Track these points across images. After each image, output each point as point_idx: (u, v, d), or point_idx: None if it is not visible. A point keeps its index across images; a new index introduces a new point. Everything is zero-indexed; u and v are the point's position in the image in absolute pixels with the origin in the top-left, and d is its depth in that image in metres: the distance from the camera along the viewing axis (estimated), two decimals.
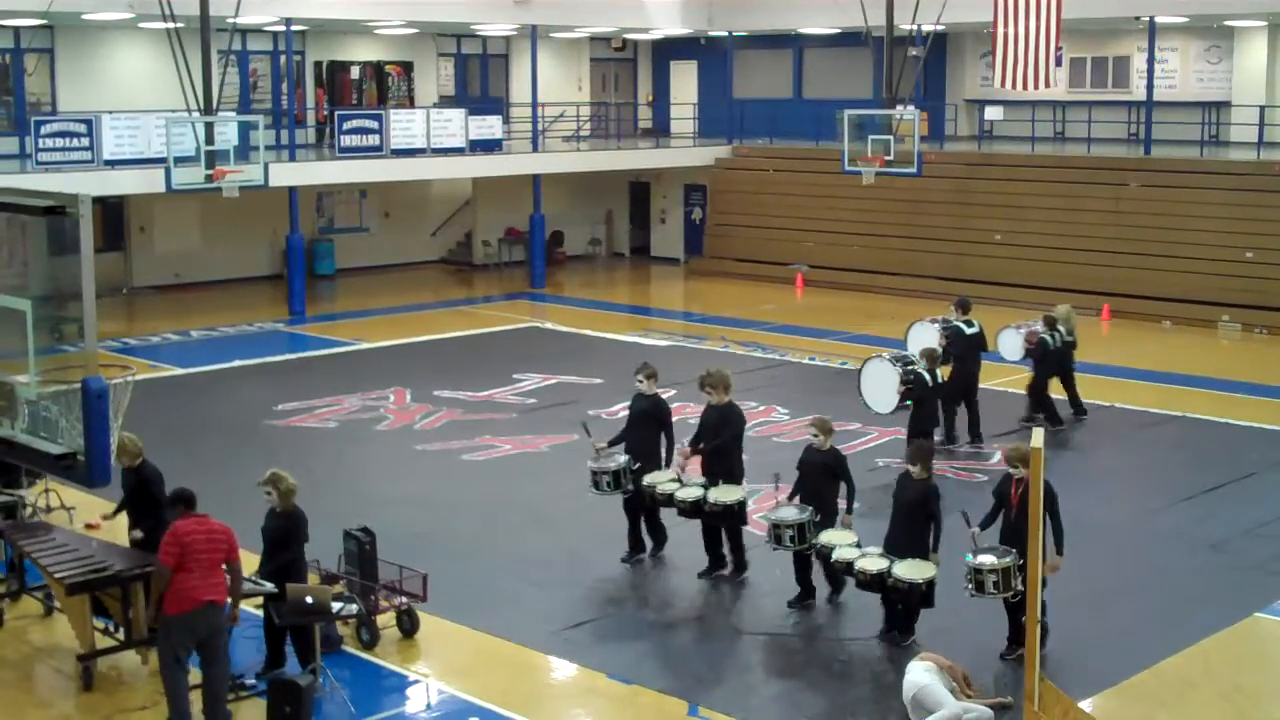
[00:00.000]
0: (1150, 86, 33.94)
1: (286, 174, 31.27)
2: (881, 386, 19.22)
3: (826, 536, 13.89)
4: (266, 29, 34.86)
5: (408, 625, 13.56)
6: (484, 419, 21.85)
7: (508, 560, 15.79)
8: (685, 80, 45.14)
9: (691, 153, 39.91)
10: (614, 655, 13.17)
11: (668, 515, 15.58)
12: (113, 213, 34.14)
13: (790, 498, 14.35)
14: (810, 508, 14.11)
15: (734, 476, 15.14)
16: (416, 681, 12.79)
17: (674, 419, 15.93)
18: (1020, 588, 12.47)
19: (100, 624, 12.77)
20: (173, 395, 23.53)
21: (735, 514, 14.92)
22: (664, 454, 15.49)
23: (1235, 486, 16.63)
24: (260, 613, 12.75)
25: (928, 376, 18.44)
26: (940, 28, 33.70)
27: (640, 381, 15.56)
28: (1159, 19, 33.61)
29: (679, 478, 15.21)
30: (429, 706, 12.43)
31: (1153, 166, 32.76)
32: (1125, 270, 31.24)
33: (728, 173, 39.21)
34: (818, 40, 41.24)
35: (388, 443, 20.72)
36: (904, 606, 13.31)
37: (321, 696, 11.94)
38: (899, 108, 32.81)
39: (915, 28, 32.94)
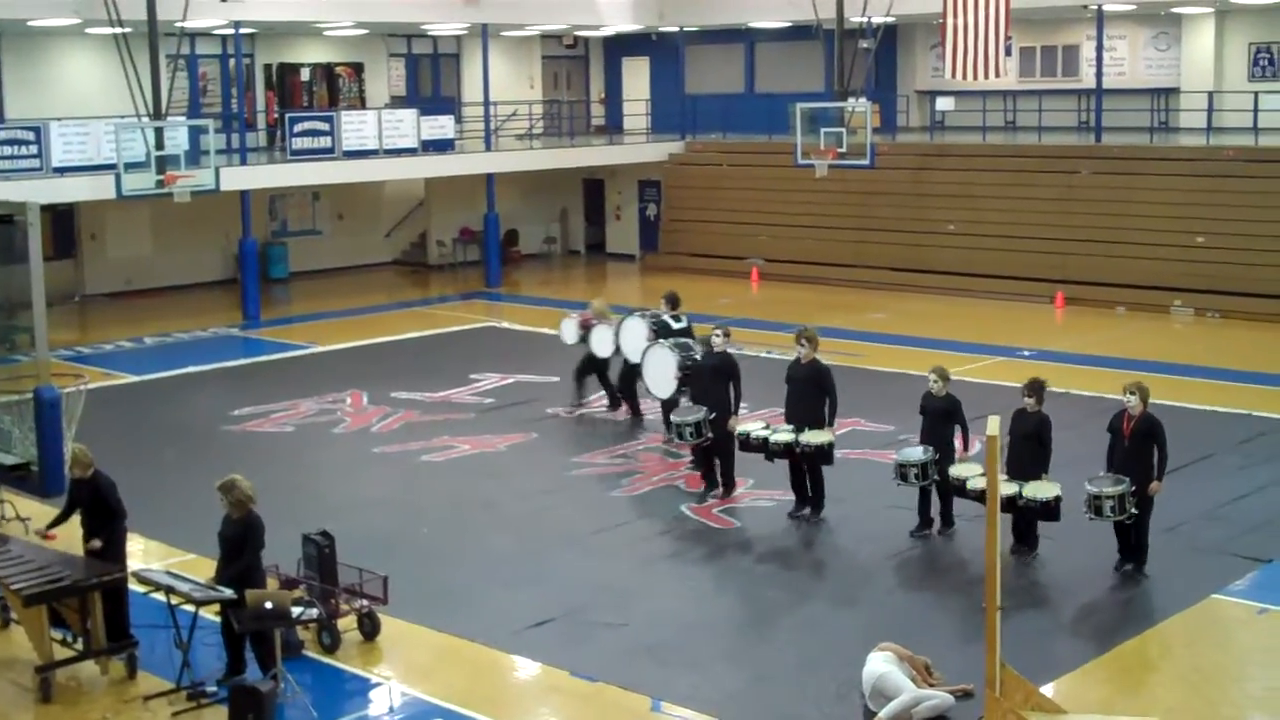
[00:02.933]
0: (1099, 74, 34.14)
1: (238, 178, 31.11)
2: (661, 371, 19.51)
3: (957, 470, 15.51)
4: (215, 32, 34.66)
5: (369, 628, 13.51)
6: (442, 420, 21.80)
7: (469, 560, 15.76)
8: (637, 76, 45.13)
9: (645, 149, 39.91)
10: (577, 653, 13.16)
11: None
12: (63, 220, 33.88)
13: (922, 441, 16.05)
14: (930, 447, 15.67)
15: (819, 423, 16.51)
16: (379, 684, 12.76)
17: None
18: (1134, 511, 14.39)
19: (58, 635, 12.68)
20: (127, 403, 23.39)
21: (824, 453, 16.44)
22: (733, 403, 17.24)
23: (1191, 470, 16.76)
24: (220, 619, 12.67)
25: None
26: (890, 19, 33.80)
27: (716, 338, 17.54)
28: (1107, 7, 33.82)
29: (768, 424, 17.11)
30: (392, 709, 12.40)
31: (1103, 154, 32.96)
32: (1078, 257, 31.41)
33: (681, 168, 39.24)
34: (769, 34, 41.30)
35: (345, 446, 20.65)
36: (1028, 522, 15.15)
37: (283, 702, 11.88)
38: (851, 100, 32.91)
39: (865, 20, 33.03)
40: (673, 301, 20.96)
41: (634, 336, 20.61)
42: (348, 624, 13.49)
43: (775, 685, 12.47)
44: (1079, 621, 13.86)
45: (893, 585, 14.97)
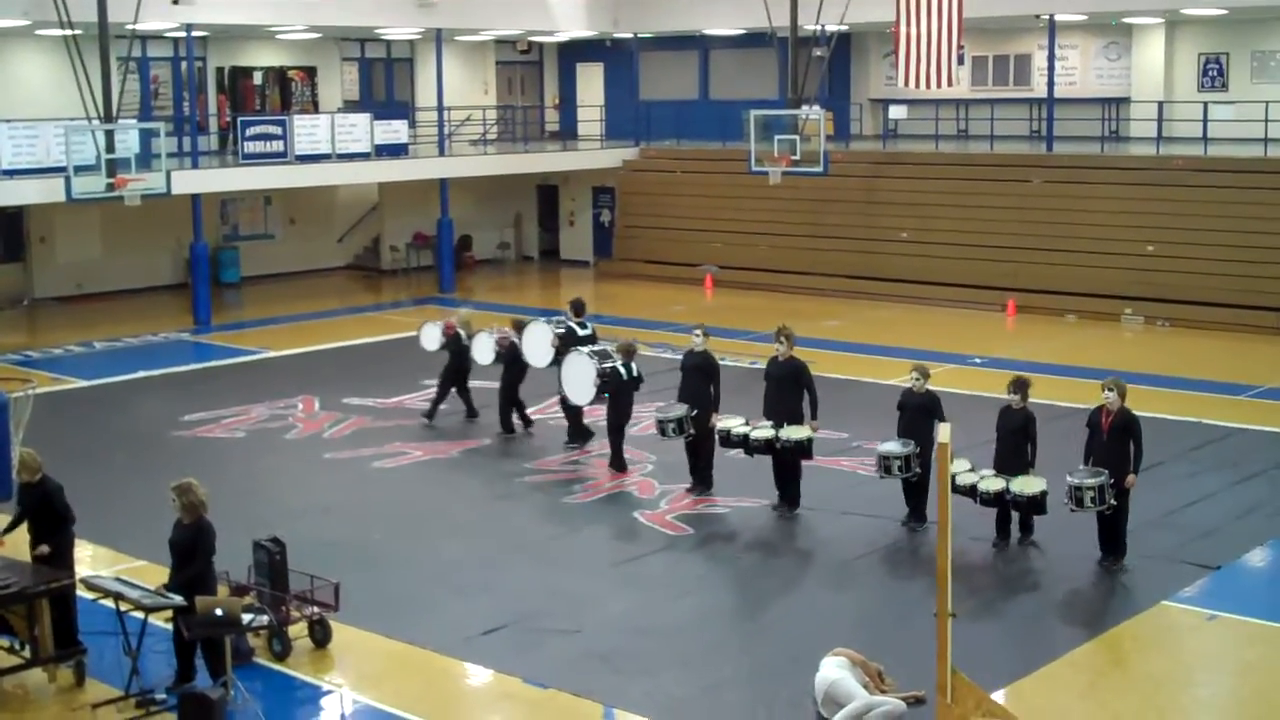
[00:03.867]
0: (1051, 84, 34.37)
1: (189, 181, 30.92)
2: (580, 379, 19.59)
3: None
4: (167, 35, 34.45)
5: (320, 635, 13.44)
6: (394, 426, 21.72)
7: (420, 567, 15.71)
8: (591, 82, 45.13)
9: (599, 155, 39.92)
10: (529, 660, 13.12)
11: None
12: (12, 223, 33.65)
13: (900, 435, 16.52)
14: (911, 441, 16.14)
15: (797, 418, 17.02)
16: (330, 692, 12.68)
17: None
18: (1113, 502, 14.93)
19: (5, 642, 12.56)
20: (77, 408, 23.20)
21: (804, 449, 16.96)
22: (714, 400, 17.79)
23: (1141, 477, 16.77)
24: (170, 626, 12.57)
25: (623, 370, 19.10)
26: (844, 28, 33.96)
27: (696, 338, 18.11)
28: (1059, 17, 34.03)
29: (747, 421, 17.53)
30: (343, 717, 12.34)
31: (1055, 163, 33.18)
32: (1029, 265, 31.60)
33: (635, 174, 39.26)
34: (723, 41, 41.38)
35: (297, 452, 20.54)
36: (1021, 516, 15.72)
37: (233, 709, 11.80)
38: (804, 108, 33.00)
39: (819, 28, 33.13)
40: (578, 308, 21.05)
41: (539, 343, 20.63)
42: (299, 631, 13.41)
43: (728, 692, 12.47)
44: (1030, 628, 13.91)
45: (849, 589, 15.00)
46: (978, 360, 25.47)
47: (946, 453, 11.03)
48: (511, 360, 21.02)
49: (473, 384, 22.01)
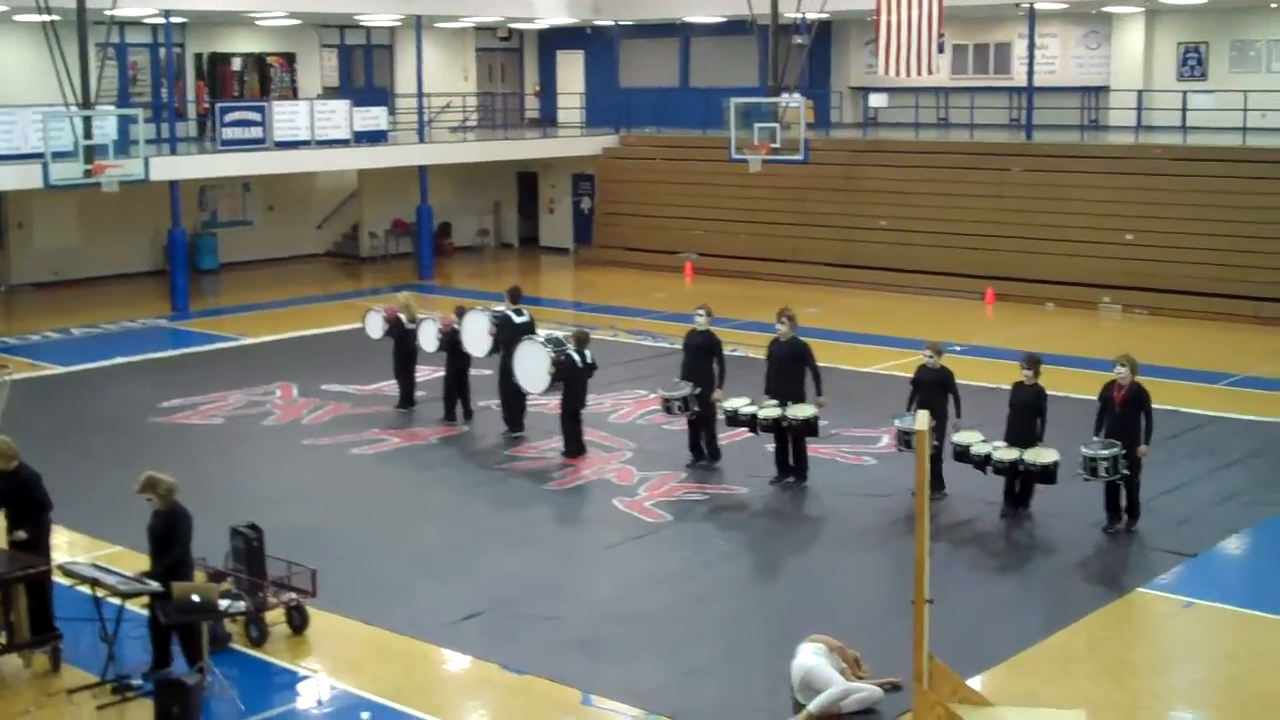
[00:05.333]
0: (1031, 72, 34.44)
1: (167, 168, 30.81)
2: (533, 367, 19.48)
3: (960, 438, 16.66)
4: (145, 21, 34.33)
5: (297, 621, 13.42)
6: (372, 412, 21.70)
7: (398, 554, 15.69)
8: (572, 70, 45.08)
9: (579, 142, 39.86)
10: (506, 646, 13.12)
11: None
12: None
13: (908, 408, 16.98)
14: (925, 413, 16.10)
15: (800, 398, 17.56)
16: (307, 678, 12.67)
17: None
18: (1125, 472, 15.62)
19: None
20: (54, 394, 23.13)
21: (810, 427, 17.49)
22: (718, 378, 18.25)
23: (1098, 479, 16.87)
24: (146, 612, 12.55)
25: (577, 358, 19.13)
26: (824, 16, 33.91)
27: (699, 317, 18.45)
28: (1039, 5, 34.10)
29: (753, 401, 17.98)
30: (320, 703, 12.32)
31: (1034, 151, 33.23)
32: (1008, 254, 31.67)
33: (615, 162, 39.22)
34: (704, 29, 41.35)
35: (275, 438, 20.51)
36: (1025, 485, 16.41)
37: (210, 695, 11.78)
38: (784, 96, 32.98)
39: (800, 16, 33.12)
40: (514, 295, 20.88)
41: (476, 332, 20.57)
42: (276, 617, 13.39)
43: (705, 678, 12.48)
44: (1007, 614, 13.96)
45: (827, 575, 15.03)
46: (957, 348, 25.45)
47: (925, 440, 11.08)
48: (454, 348, 20.96)
49: (423, 371, 21.96)
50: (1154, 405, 16.07)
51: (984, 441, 16.59)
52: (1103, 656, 12.96)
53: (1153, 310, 29.22)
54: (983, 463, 16.48)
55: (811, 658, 11.87)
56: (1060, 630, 13.43)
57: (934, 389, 16.93)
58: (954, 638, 12.40)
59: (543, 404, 20.60)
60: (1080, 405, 19.90)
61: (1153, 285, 29.61)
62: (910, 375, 17.59)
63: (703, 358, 18.38)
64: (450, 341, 20.96)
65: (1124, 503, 16.00)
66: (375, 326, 22.12)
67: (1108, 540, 15.87)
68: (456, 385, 21.16)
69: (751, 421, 17.89)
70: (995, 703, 11.70)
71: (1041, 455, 16.17)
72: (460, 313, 21.08)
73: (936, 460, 16.77)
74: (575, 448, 19.15)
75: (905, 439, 16.84)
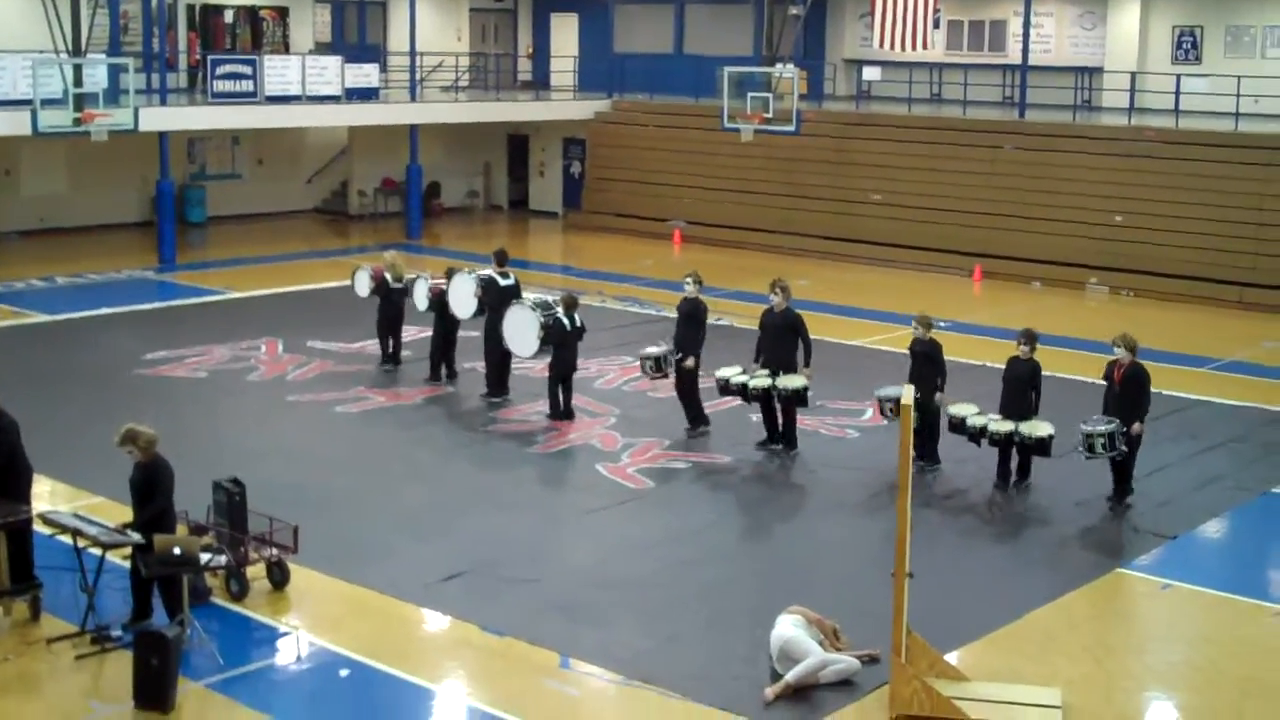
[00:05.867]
0: (1025, 51, 34.37)
1: (157, 118, 30.66)
2: (522, 331, 19.48)
3: (956, 409, 16.94)
4: None
5: (278, 577, 13.42)
6: (357, 370, 21.67)
7: (380, 512, 15.69)
8: (566, 33, 44.92)
9: (571, 106, 39.75)
10: (486, 607, 13.13)
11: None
12: None
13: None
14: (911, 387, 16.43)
15: (791, 368, 17.73)
16: (286, 634, 12.67)
17: None
18: (1123, 448, 15.92)
19: None
20: (38, 342, 23.07)
21: (800, 397, 17.70)
22: (698, 344, 18.45)
23: (1096, 457, 16.93)
24: (128, 563, 12.54)
25: (566, 321, 19.12)
26: None
27: (687, 285, 18.68)
28: None
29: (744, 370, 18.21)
30: (299, 659, 12.32)
31: (1027, 130, 33.19)
32: (997, 231, 31.67)
33: (607, 127, 39.11)
34: None
35: (259, 393, 20.47)
36: (1022, 458, 16.62)
37: (189, 649, 11.79)
38: (778, 66, 32.90)
39: None
40: (500, 258, 20.68)
41: (462, 295, 20.54)
42: (256, 572, 13.39)
43: (684, 645, 12.51)
44: (985, 590, 13.99)
45: (811, 545, 15.06)
46: (943, 324, 25.46)
47: (909, 415, 11.10)
48: (443, 309, 20.93)
49: (410, 331, 21.99)
50: None
51: (979, 414, 16.85)
52: (1081, 635, 13.01)
53: (1139, 292, 29.26)
54: (978, 435, 16.72)
55: (790, 628, 11.90)
56: (1039, 608, 13.48)
57: (921, 361, 17.12)
58: (933, 612, 12.44)
59: (529, 367, 20.58)
60: (1064, 385, 20.01)
61: (1140, 267, 29.65)
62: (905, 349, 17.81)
63: (691, 325, 18.54)
64: (440, 303, 20.92)
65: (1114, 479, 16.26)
66: (363, 285, 22.06)
67: (1089, 520, 15.93)
68: (443, 346, 21.12)
69: (743, 390, 18.07)
70: (972, 678, 11.75)
71: (1037, 428, 16.42)
72: (449, 274, 21.02)
73: (929, 433, 17.00)
74: (560, 412, 19.15)
75: (889, 407, 17.13)
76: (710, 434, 18.61)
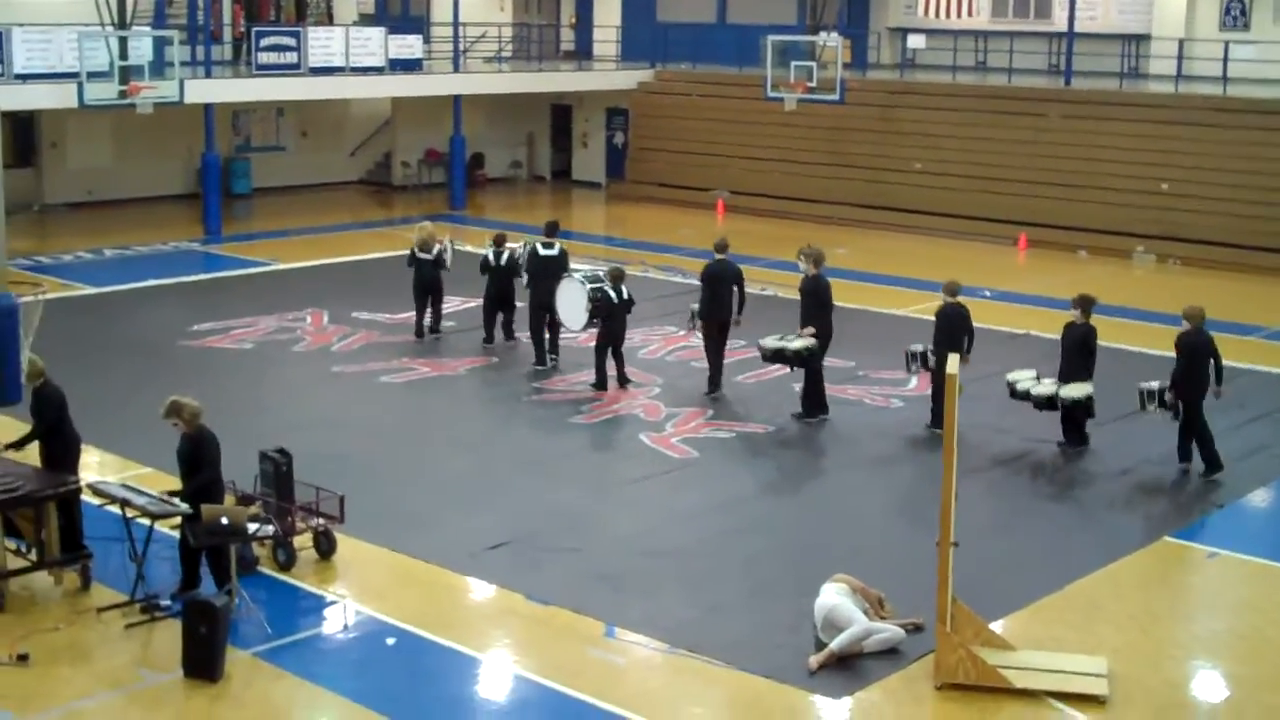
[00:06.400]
0: (1071, 18, 34.07)
1: (202, 91, 30.79)
2: (572, 303, 19.79)
3: (1012, 375, 17.52)
4: None
5: (324, 546, 13.51)
6: (402, 341, 21.75)
7: (425, 482, 15.77)
8: (609, 2, 44.78)
9: (614, 76, 39.66)
10: (532, 576, 13.20)
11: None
12: (24, 128, 33.52)
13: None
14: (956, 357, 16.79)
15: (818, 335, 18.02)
16: (333, 602, 12.77)
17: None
18: (1168, 405, 16.30)
19: (12, 545, 12.62)
20: (86, 314, 23.24)
21: (801, 358, 17.95)
22: (737, 307, 18.85)
23: (1147, 414, 16.86)
24: (176, 534, 12.65)
25: (613, 294, 19.30)
26: None
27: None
28: None
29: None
30: (346, 627, 12.42)
31: (1072, 98, 32.93)
32: (1042, 200, 31.46)
33: (650, 97, 39.02)
34: None
35: (305, 364, 20.58)
36: (1071, 421, 16.91)
37: (237, 618, 11.89)
38: (822, 34, 32.77)
39: None
40: (549, 229, 20.91)
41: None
42: (303, 542, 13.49)
43: (728, 614, 12.54)
44: (1030, 559, 13.96)
45: (853, 514, 15.05)
46: (988, 293, 25.39)
47: (954, 384, 11.07)
48: (495, 271, 21.17)
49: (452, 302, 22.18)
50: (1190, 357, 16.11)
51: (1033, 379, 17.27)
52: (1127, 603, 12.97)
53: (1186, 261, 29.04)
54: (1024, 397, 17.17)
55: (835, 596, 11.91)
56: (1084, 576, 13.44)
57: (956, 325, 17.49)
58: (978, 581, 12.42)
59: (573, 337, 20.63)
60: (1113, 354, 19.89)
61: (1187, 236, 29.42)
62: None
63: (723, 286, 18.91)
64: (493, 267, 21.19)
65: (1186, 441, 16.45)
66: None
67: (1135, 488, 15.87)
68: (492, 310, 21.37)
69: (775, 356, 18.35)
70: (1018, 647, 11.73)
71: (1075, 390, 16.70)
72: (498, 240, 21.33)
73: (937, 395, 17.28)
74: (606, 381, 19.26)
75: (913, 359, 17.88)
76: (749, 406, 18.61)
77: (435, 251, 21.82)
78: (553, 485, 15.75)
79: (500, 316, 21.61)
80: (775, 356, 18.28)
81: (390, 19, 39.52)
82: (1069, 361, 16.96)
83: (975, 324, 17.71)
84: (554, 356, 20.54)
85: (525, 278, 20.55)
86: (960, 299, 17.68)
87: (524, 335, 20.95)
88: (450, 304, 22.72)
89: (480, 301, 21.79)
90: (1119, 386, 17.35)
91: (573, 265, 21.03)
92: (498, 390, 19.55)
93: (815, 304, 18.00)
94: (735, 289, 18.82)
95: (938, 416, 17.98)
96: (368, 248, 29.56)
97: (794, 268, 19.18)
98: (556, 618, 12.44)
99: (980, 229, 31.69)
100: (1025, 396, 17.13)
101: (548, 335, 20.49)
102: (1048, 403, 16.93)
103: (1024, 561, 13.93)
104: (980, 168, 32.58)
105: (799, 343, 17.93)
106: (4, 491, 12.34)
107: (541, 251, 20.47)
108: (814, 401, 18.12)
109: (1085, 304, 17.06)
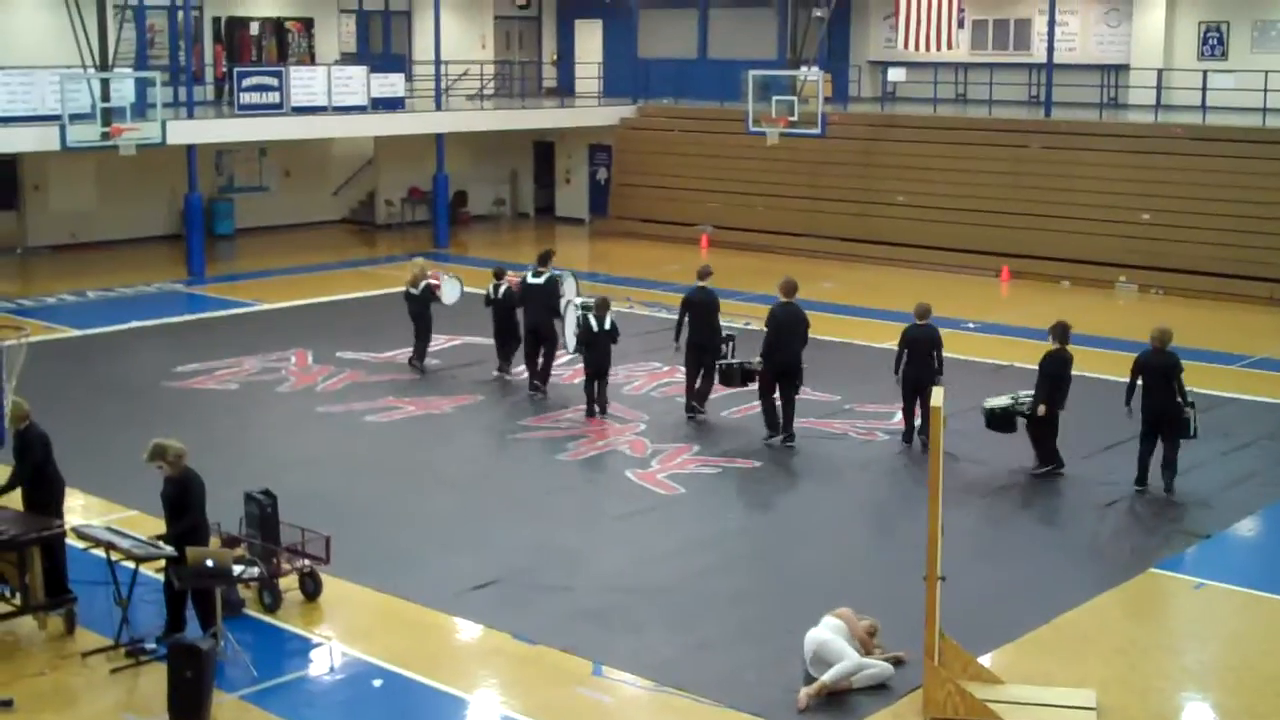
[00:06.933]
0: (1050, 49, 34.23)
1: (185, 132, 30.81)
2: (568, 328, 20.79)
3: (990, 401, 17.90)
4: None
5: (310, 588, 13.47)
6: (387, 380, 21.73)
7: (411, 522, 15.73)
8: (590, 39, 44.96)
9: (596, 112, 39.76)
10: (519, 616, 13.15)
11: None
12: (6, 171, 33.50)
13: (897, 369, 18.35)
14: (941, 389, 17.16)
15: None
16: (319, 644, 12.72)
17: None
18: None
19: None
20: (70, 357, 23.18)
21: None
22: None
23: (1131, 444, 16.88)
24: (161, 577, 12.60)
25: (594, 323, 19.68)
26: None
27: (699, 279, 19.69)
28: None
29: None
30: (332, 669, 12.36)
31: (1052, 128, 33.08)
32: (1024, 231, 31.56)
33: (633, 133, 39.13)
34: (723, 0, 41.17)
35: (289, 404, 20.55)
36: (1038, 443, 17.26)
37: (223, 660, 11.84)
38: (803, 69, 32.90)
39: None
40: (541, 259, 21.57)
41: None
42: (289, 583, 13.44)
43: (716, 651, 12.51)
44: (1017, 592, 13.94)
45: (839, 549, 15.03)
46: (971, 325, 25.47)
47: (939, 416, 11.08)
48: (498, 306, 21.71)
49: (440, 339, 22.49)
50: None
51: (1008, 397, 17.86)
52: (1114, 636, 12.96)
53: (1169, 290, 29.13)
54: (994, 417, 17.61)
55: (827, 632, 11.89)
56: (1072, 609, 13.43)
57: (926, 349, 18.04)
58: (966, 614, 12.41)
59: (560, 372, 20.66)
60: (1096, 385, 19.92)
61: (1169, 265, 29.53)
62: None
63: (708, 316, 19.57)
64: (494, 300, 21.76)
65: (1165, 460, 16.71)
66: (450, 293, 22.99)
67: (1121, 520, 15.88)
68: (501, 340, 21.85)
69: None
70: (1006, 681, 11.72)
71: (997, 401, 17.73)
72: (498, 274, 21.96)
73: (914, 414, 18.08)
74: (593, 410, 19.69)
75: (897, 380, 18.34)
76: (736, 440, 18.62)
77: (421, 287, 21.99)
78: (539, 523, 15.72)
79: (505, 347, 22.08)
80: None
81: (372, 58, 39.59)
82: (1041, 388, 17.16)
83: (959, 355, 17.80)
84: (541, 387, 20.71)
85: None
86: (929, 322, 18.21)
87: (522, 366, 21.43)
88: (435, 341, 22.72)
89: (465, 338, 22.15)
90: (1103, 417, 17.38)
91: (577, 294, 21.81)
92: (483, 429, 19.53)
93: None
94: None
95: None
96: (352, 287, 29.55)
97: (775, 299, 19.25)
98: (544, 657, 12.40)
99: (963, 260, 31.78)
100: (994, 415, 17.54)
101: (541, 362, 20.95)
102: (1003, 416, 17.49)
103: (1011, 594, 13.91)
104: (962, 199, 32.68)
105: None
106: None
107: (530, 280, 21.11)
108: (771, 421, 18.56)
109: (1061, 331, 17.30)
